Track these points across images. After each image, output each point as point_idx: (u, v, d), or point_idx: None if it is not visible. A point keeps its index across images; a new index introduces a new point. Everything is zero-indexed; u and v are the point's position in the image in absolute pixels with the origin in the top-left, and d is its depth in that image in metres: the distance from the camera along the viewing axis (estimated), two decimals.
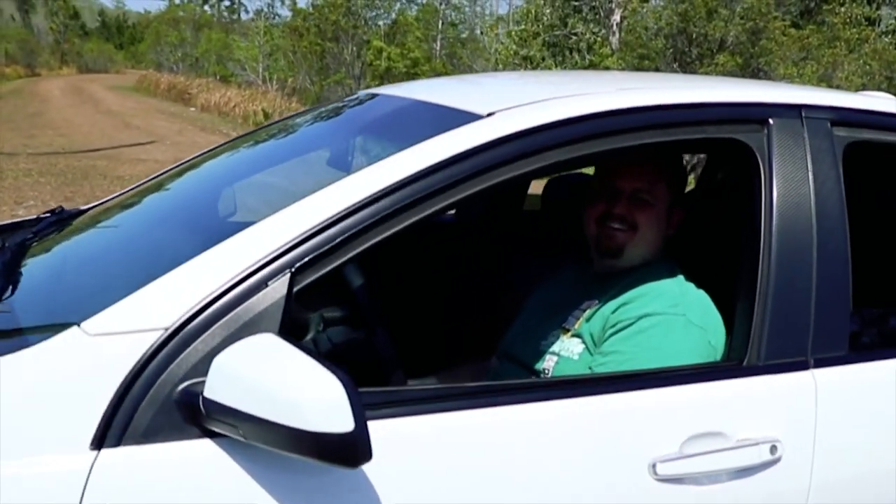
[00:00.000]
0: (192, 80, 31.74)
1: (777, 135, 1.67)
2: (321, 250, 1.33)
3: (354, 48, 24.53)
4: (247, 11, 60.07)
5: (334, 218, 1.34)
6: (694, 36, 15.41)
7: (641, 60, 15.59)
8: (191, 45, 40.09)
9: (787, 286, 1.62)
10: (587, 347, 1.84)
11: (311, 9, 25.64)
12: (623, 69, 14.98)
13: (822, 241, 1.64)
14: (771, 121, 1.68)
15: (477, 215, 3.00)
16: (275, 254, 1.31)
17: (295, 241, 1.32)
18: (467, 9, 47.99)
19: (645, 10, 16.39)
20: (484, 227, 3.00)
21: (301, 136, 2.29)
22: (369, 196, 1.37)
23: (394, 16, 27.06)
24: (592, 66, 16.28)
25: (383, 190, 1.38)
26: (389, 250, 1.50)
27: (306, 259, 1.32)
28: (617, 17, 16.79)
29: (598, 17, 17.12)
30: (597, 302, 1.88)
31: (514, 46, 17.02)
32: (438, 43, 36.71)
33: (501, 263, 2.74)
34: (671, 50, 15.71)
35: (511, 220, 3.01)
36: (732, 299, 1.71)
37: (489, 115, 1.57)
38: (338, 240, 1.34)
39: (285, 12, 31.38)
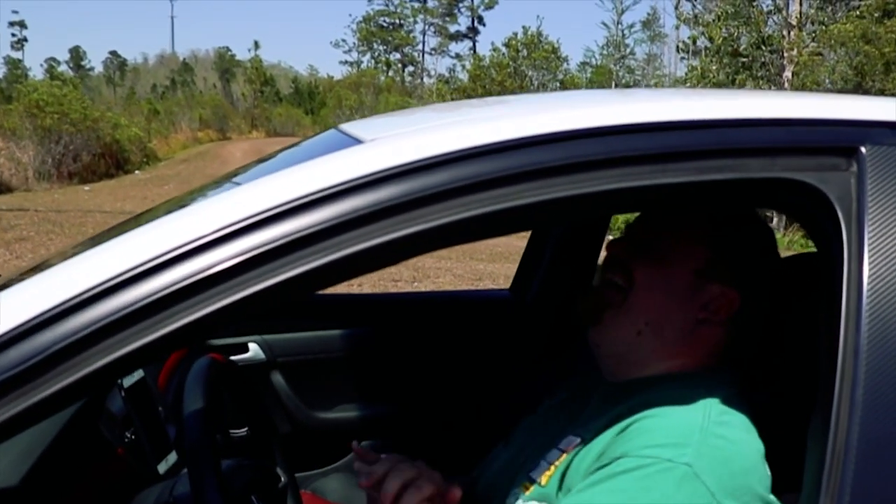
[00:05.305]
0: None
1: (874, 172, 0.94)
2: None
3: None
4: (430, 76, 61.85)
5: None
6: (871, 91, 13.81)
7: None
8: (370, 109, 41.44)
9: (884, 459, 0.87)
10: None
11: (477, 70, 25.69)
12: None
13: None
14: (863, 149, 0.95)
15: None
16: None
17: None
18: (644, 70, 47.32)
19: (818, 63, 14.89)
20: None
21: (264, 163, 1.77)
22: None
23: (561, 77, 26.63)
24: None
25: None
26: None
27: None
28: (788, 73, 15.36)
29: (768, 73, 15.74)
30: (579, 441, 1.14)
31: None
32: None
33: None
34: None
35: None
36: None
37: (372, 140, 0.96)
38: None
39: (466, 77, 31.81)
